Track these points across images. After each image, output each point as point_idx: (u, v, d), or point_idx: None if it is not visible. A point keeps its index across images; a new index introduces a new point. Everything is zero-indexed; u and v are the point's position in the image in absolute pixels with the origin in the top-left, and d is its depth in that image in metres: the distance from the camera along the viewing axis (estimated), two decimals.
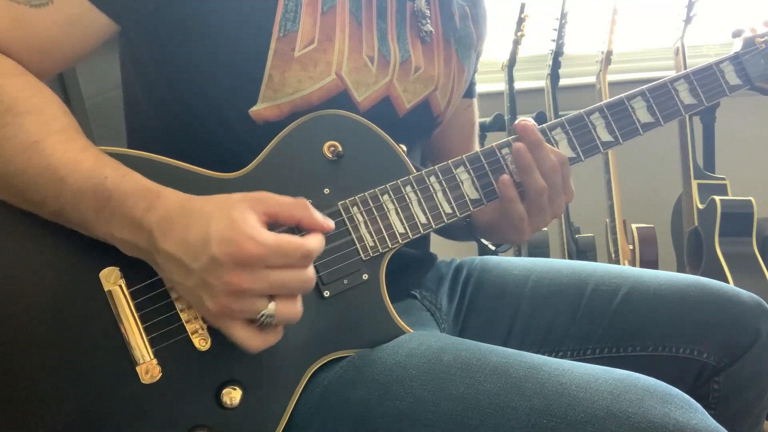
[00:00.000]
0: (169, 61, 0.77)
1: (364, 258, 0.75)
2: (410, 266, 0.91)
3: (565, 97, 1.95)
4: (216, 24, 0.74)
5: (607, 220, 1.88)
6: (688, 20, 1.80)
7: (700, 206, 1.78)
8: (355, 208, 0.76)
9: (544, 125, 0.83)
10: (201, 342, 0.69)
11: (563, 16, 1.91)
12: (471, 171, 0.81)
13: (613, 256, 1.86)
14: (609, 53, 1.86)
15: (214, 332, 0.69)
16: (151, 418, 0.68)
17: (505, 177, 0.80)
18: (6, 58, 0.70)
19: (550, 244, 1.91)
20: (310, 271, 0.64)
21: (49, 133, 0.67)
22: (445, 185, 0.80)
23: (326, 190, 0.75)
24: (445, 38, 0.89)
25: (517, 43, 1.97)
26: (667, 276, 0.91)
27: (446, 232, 1.02)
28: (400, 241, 0.77)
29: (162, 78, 0.78)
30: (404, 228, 0.77)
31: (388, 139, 0.79)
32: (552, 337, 0.92)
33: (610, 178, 1.85)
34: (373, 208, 0.76)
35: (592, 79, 1.92)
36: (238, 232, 0.59)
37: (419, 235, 0.78)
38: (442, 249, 1.03)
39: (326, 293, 0.73)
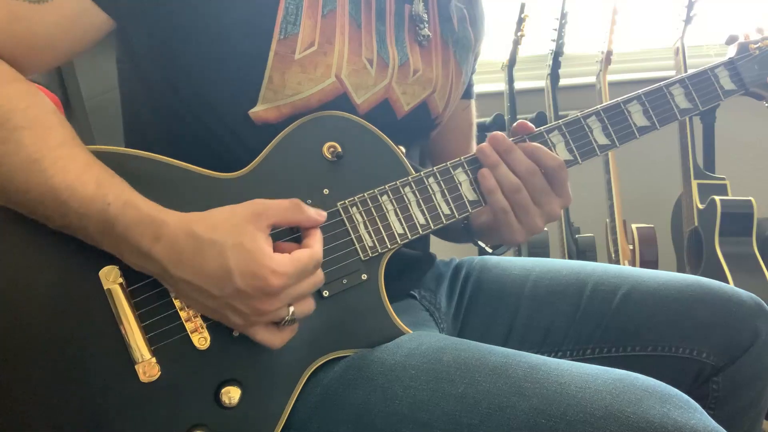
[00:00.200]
0: (168, 60, 0.77)
1: (363, 258, 0.75)
2: (409, 266, 0.92)
3: (565, 97, 1.95)
4: (217, 25, 0.74)
5: (607, 220, 1.88)
6: (688, 20, 1.80)
7: (700, 206, 1.78)
8: (354, 208, 0.76)
9: (541, 128, 0.83)
10: (200, 341, 0.69)
11: (563, 16, 1.91)
12: (469, 172, 0.81)
13: (613, 256, 1.86)
14: (609, 53, 1.86)
15: (214, 331, 0.69)
16: (150, 417, 0.68)
17: (484, 169, 0.80)
18: (1, 63, 0.69)
19: (550, 244, 1.92)
20: (320, 273, 0.70)
21: (48, 150, 0.66)
22: (443, 186, 0.80)
23: (325, 191, 0.76)
24: (443, 41, 0.89)
25: (517, 43, 1.97)
26: (666, 276, 0.91)
27: (444, 234, 1.02)
28: (399, 242, 0.77)
29: (161, 77, 0.78)
30: (403, 229, 0.77)
31: (387, 140, 0.79)
32: (551, 337, 0.92)
33: (610, 178, 1.85)
34: (372, 209, 0.76)
35: (592, 79, 1.92)
36: (259, 265, 0.63)
37: (418, 235, 0.78)
38: (442, 249, 1.03)
39: (325, 293, 0.73)
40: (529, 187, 0.79)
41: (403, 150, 0.79)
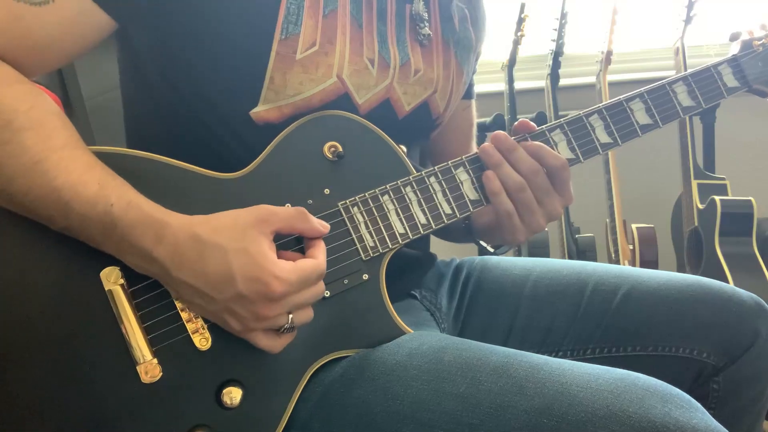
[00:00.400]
0: (169, 61, 0.77)
1: (364, 258, 0.75)
2: (410, 266, 0.92)
3: (565, 97, 1.95)
4: (218, 26, 0.74)
5: (607, 220, 1.88)
6: (688, 20, 1.80)
7: (700, 206, 1.78)
8: (355, 208, 0.76)
9: (543, 127, 0.83)
10: (201, 341, 0.69)
11: (563, 16, 1.91)
12: (470, 172, 0.81)
13: (613, 256, 1.86)
14: (609, 53, 1.86)
15: (215, 332, 0.69)
16: (152, 418, 0.68)
17: (489, 171, 0.80)
18: (2, 65, 0.69)
19: (550, 244, 1.92)
20: (322, 284, 0.69)
21: (51, 152, 0.66)
22: (444, 186, 0.80)
23: (326, 191, 0.76)
24: (444, 41, 0.89)
25: (517, 43, 1.97)
26: (666, 276, 0.91)
27: (445, 233, 1.02)
28: (400, 242, 0.77)
29: (162, 78, 0.78)
30: (404, 228, 0.77)
31: (389, 139, 0.79)
32: (552, 337, 0.92)
33: (610, 178, 1.85)
34: (374, 209, 0.76)
35: (592, 79, 1.93)
36: (261, 270, 0.63)
37: (419, 235, 0.78)
38: (442, 249, 1.03)
39: (327, 293, 0.73)
40: (532, 187, 0.79)
41: (404, 149, 0.79)
